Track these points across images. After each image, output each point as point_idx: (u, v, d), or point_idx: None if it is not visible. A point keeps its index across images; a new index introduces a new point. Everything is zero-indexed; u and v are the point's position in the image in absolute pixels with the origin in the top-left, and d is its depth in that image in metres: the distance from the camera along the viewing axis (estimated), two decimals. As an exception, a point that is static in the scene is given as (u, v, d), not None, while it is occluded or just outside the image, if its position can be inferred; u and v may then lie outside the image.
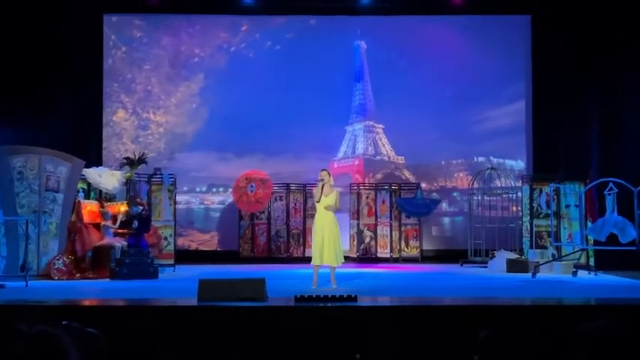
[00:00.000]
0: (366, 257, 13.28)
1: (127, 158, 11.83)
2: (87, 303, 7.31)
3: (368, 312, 6.39)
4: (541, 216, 11.87)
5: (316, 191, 8.68)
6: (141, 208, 10.63)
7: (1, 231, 9.62)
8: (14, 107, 12.56)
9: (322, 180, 8.61)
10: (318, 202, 8.64)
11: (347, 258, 13.12)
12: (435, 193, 14.01)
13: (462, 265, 12.33)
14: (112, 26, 14.10)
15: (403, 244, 13.37)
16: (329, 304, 6.36)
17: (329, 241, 8.45)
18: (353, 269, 11.70)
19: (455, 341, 5.73)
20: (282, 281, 9.17)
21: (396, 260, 13.15)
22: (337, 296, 6.52)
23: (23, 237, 9.46)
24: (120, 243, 10.26)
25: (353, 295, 6.55)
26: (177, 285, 9.04)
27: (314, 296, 6.50)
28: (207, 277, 7.30)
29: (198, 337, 5.99)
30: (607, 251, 10.56)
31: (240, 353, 5.87)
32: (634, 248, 9.77)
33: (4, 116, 12.25)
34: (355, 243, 13.40)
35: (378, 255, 13.31)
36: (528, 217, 11.99)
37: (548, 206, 11.55)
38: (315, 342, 5.94)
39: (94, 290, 8.72)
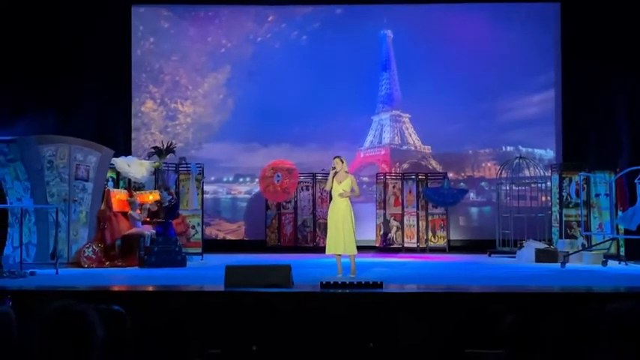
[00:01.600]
0: (393, 247, 13.25)
1: (155, 148, 11.95)
2: (116, 288, 7.40)
3: (394, 298, 6.38)
4: (570, 205, 11.73)
5: (328, 179, 8.59)
6: (170, 197, 10.77)
7: (32, 219, 9.76)
8: (44, 98, 12.74)
9: (334, 168, 8.47)
10: (329, 190, 8.54)
11: (373, 248, 13.20)
12: (462, 183, 13.92)
13: (489, 256, 12.23)
14: (140, 17, 14.21)
15: (430, 234, 13.31)
16: (355, 291, 6.36)
17: (345, 229, 8.31)
18: (379, 259, 11.68)
19: (483, 328, 5.70)
20: (308, 269, 9.19)
21: (422, 250, 13.10)
22: (363, 282, 6.52)
23: (53, 225, 9.60)
24: (149, 231, 10.37)
25: (379, 282, 6.54)
26: (204, 273, 9.13)
27: (340, 282, 6.50)
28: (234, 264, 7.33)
29: (225, 321, 6.03)
30: (638, 240, 10.41)
31: (266, 338, 5.90)
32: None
33: (34, 107, 12.43)
34: (381, 233, 13.38)
35: (405, 245, 13.27)
36: (557, 207, 11.86)
37: (578, 195, 11.41)
38: (341, 328, 5.95)
39: (123, 278, 8.84)
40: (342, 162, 8.55)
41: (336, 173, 8.48)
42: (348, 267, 8.53)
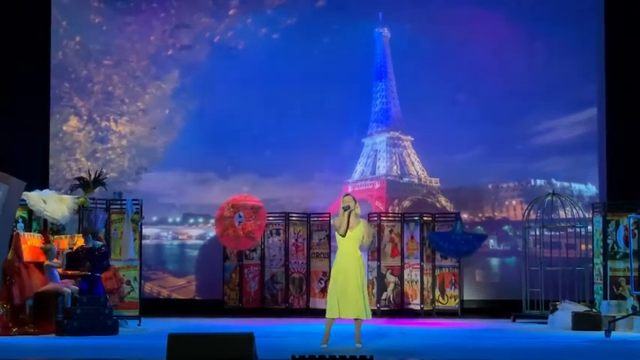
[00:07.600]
0: (389, 310, 13.32)
1: (79, 179, 11.98)
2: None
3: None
4: (618, 256, 11.87)
5: (340, 222, 8.61)
6: (100, 243, 10.80)
7: None
8: None
9: (348, 208, 8.56)
10: (343, 235, 8.58)
11: (364, 310, 13.25)
12: (479, 227, 14.07)
13: (514, 321, 12.36)
14: (63, 9, 14.30)
15: (438, 292, 13.40)
16: (337, 367, 6.43)
17: (356, 287, 8.42)
18: (372, 325, 11.74)
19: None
20: (278, 339, 9.24)
21: (428, 314, 13.19)
22: (348, 357, 6.58)
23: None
24: (69, 288, 10.38)
25: (368, 357, 6.61)
26: (142, 343, 9.15)
27: (317, 356, 6.56)
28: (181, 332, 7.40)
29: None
30: None
31: None
32: None
33: None
34: (375, 291, 13.45)
35: (406, 307, 13.34)
36: (601, 258, 12.02)
37: (627, 244, 11.57)
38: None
39: (35, 349, 8.81)
40: (355, 202, 8.71)
41: (350, 214, 8.58)
42: (345, 335, 8.55)
